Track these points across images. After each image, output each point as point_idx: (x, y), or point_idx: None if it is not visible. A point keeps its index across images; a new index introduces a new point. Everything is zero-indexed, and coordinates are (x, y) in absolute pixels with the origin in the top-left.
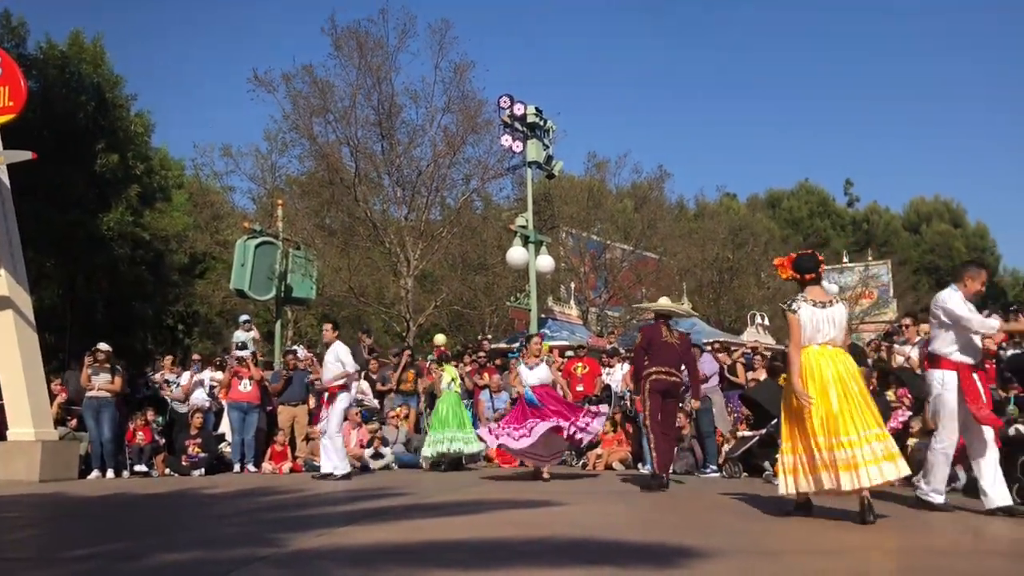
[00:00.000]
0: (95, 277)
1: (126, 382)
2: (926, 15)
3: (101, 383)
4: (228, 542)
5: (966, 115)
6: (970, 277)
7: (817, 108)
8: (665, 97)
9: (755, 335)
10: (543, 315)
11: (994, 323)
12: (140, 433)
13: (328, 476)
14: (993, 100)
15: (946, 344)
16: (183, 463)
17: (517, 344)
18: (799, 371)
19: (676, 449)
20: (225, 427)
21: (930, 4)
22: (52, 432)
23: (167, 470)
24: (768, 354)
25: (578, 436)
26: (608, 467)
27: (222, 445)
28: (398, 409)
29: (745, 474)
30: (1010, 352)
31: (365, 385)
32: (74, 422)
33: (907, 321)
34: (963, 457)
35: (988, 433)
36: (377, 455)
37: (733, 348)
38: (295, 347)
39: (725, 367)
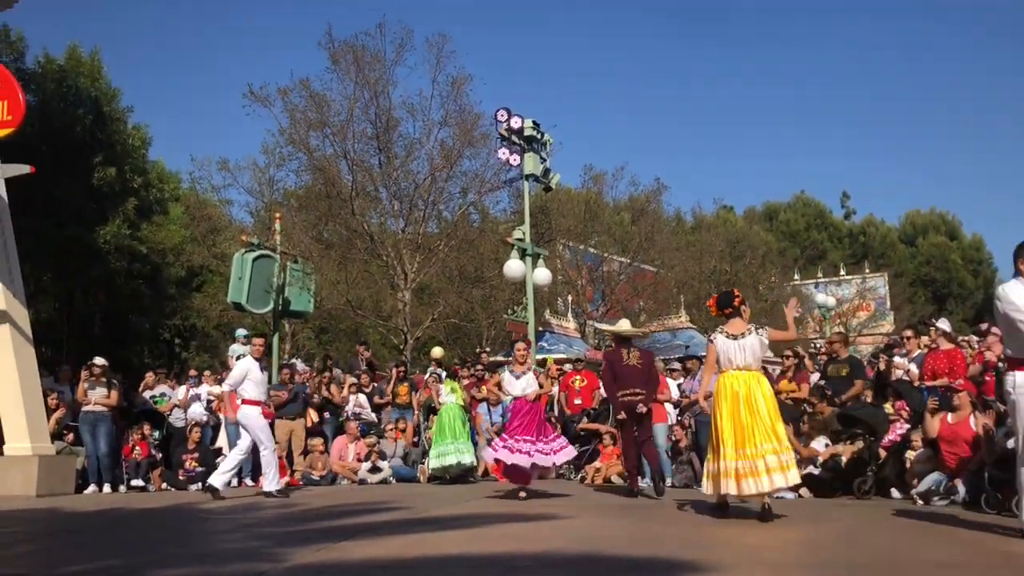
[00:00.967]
0: (92, 290)
1: (123, 396)
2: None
3: (97, 397)
4: (226, 557)
5: (961, 127)
6: None
7: (814, 121)
8: (662, 109)
9: None
10: (540, 328)
11: None
12: (137, 447)
13: (272, 495)
14: (988, 112)
15: (1021, 344)
16: (180, 477)
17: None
18: (705, 390)
19: (672, 463)
20: (222, 441)
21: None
22: (49, 447)
23: (164, 484)
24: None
25: (542, 463)
26: (607, 481)
27: (219, 459)
28: (395, 422)
29: None
30: None
31: (363, 399)
32: (71, 436)
33: (908, 333)
34: (962, 469)
35: None
36: (375, 469)
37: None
38: (293, 360)
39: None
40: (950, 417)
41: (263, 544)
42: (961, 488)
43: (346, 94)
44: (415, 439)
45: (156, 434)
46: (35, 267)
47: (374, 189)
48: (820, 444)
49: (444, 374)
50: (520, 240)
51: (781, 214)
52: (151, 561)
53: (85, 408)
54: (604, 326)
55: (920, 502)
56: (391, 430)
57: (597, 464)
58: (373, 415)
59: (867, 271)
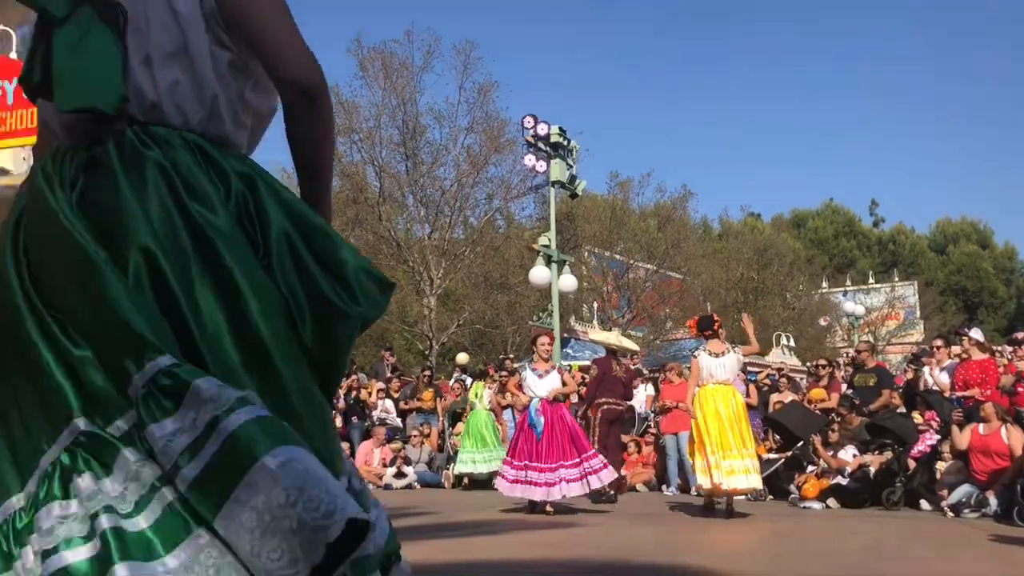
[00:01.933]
0: None
1: None
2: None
3: None
4: None
5: (994, 135)
6: None
7: (842, 128)
8: (689, 116)
9: (781, 356)
10: (566, 335)
11: None
12: None
13: None
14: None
15: None
16: None
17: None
18: (692, 400)
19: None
20: None
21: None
22: None
23: None
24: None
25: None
26: (632, 489)
27: None
28: (420, 427)
29: (771, 496)
30: None
31: (389, 404)
32: None
33: (938, 343)
34: (995, 482)
35: None
36: (400, 474)
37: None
38: None
39: None
40: (981, 428)
41: None
42: (993, 500)
43: (374, 100)
44: (440, 444)
45: None
46: None
47: (401, 195)
48: (848, 454)
49: (469, 380)
50: (546, 246)
51: (809, 222)
52: None
53: None
54: (596, 335)
55: (950, 514)
56: (416, 435)
57: (622, 471)
58: (398, 420)
59: (896, 279)
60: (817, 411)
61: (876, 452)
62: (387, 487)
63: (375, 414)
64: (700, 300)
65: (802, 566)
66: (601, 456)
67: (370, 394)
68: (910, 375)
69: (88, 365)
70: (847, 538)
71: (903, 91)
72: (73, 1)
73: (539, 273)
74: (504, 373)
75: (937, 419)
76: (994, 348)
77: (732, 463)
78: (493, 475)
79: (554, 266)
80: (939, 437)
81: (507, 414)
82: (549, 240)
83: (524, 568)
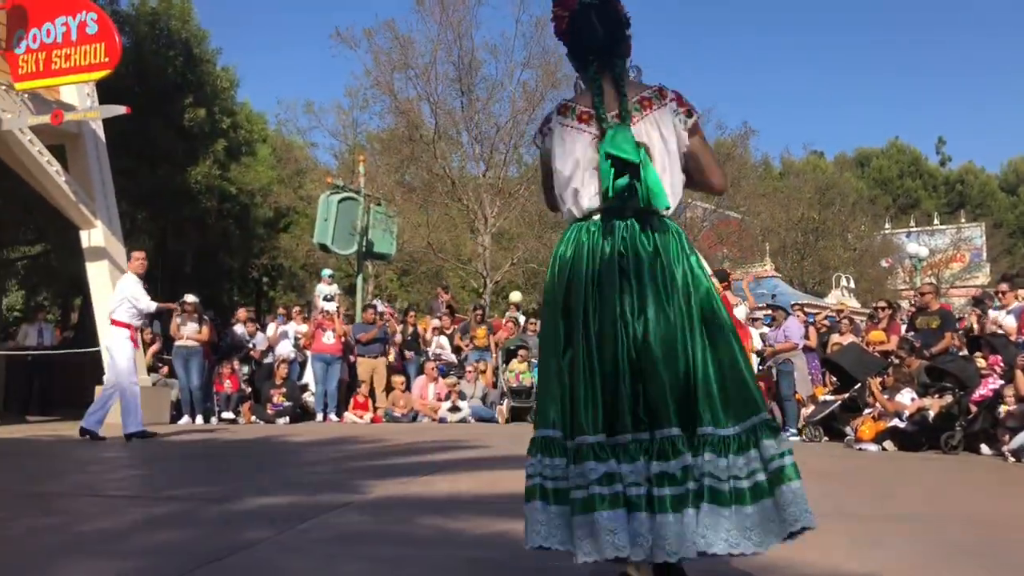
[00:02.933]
0: (184, 230)
1: (213, 332)
2: None
3: (189, 333)
4: (316, 487)
5: None
6: None
7: (909, 63)
8: (750, 51)
9: (840, 298)
10: None
11: None
12: (227, 381)
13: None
14: None
15: None
16: (268, 411)
17: None
18: None
19: None
20: (308, 377)
21: None
22: (145, 379)
23: (253, 417)
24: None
25: None
26: None
27: (305, 395)
28: (475, 364)
29: (826, 438)
30: None
31: (444, 341)
32: (165, 370)
33: (1003, 287)
34: None
35: None
36: (454, 408)
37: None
38: (375, 301)
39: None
40: None
41: (349, 476)
42: None
43: (430, 36)
44: (494, 381)
45: (245, 369)
46: (130, 206)
47: (456, 132)
48: (906, 397)
49: (523, 317)
50: None
51: (874, 161)
52: (246, 489)
53: (178, 343)
54: None
55: (1012, 459)
56: (471, 371)
57: None
58: (453, 356)
59: (963, 221)
60: (876, 353)
61: (936, 395)
62: (442, 420)
63: (430, 350)
64: (759, 240)
65: (859, 507)
66: None
67: (425, 330)
68: (973, 319)
69: None
70: (900, 479)
71: (973, 23)
72: (637, 151)
73: None
74: None
75: (1001, 363)
76: None
77: None
78: None
79: None
80: (1002, 382)
81: None
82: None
83: None
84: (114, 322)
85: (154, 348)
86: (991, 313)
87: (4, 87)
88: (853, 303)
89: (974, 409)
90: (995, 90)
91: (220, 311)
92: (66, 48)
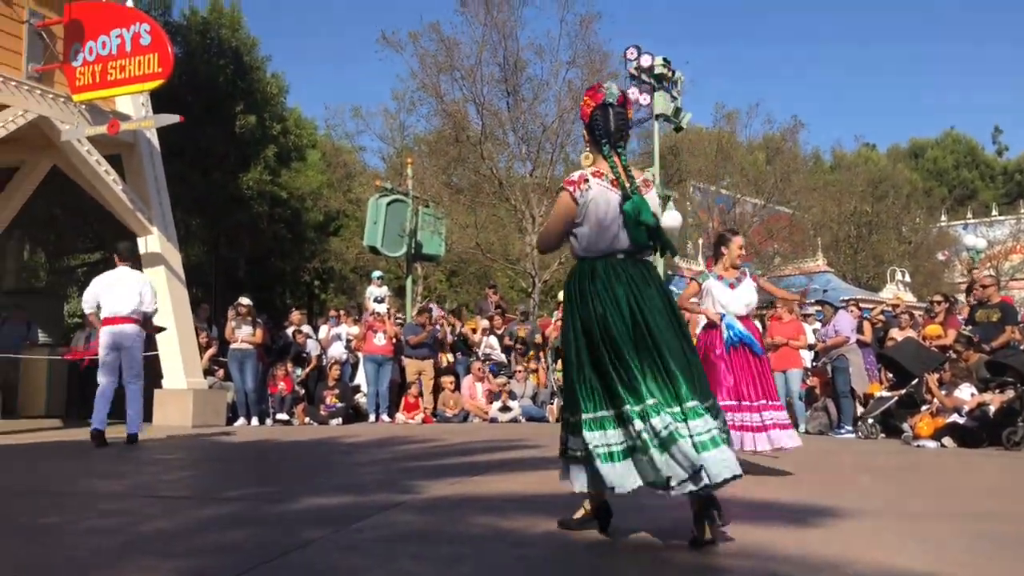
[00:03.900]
0: (237, 235)
1: (267, 334)
2: None
3: (244, 336)
4: (369, 488)
5: None
6: None
7: (963, 52)
8: (799, 44)
9: (896, 291)
10: (669, 272)
11: None
12: (282, 383)
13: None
14: None
15: None
16: (322, 412)
17: None
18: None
19: (807, 409)
20: (360, 379)
21: None
22: (202, 382)
23: (307, 419)
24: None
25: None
26: None
27: (357, 396)
28: (526, 363)
29: (883, 435)
30: None
31: (493, 340)
32: (221, 372)
33: None
34: None
35: None
36: (505, 408)
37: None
38: (431, 305)
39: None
40: None
41: (401, 476)
42: None
43: (475, 37)
44: (544, 380)
45: (299, 371)
46: (185, 213)
47: (502, 133)
48: (965, 393)
49: None
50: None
51: (928, 151)
52: (301, 490)
53: (233, 346)
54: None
55: None
56: (521, 371)
57: None
58: (503, 356)
59: (1023, 211)
60: (933, 348)
61: (996, 391)
62: (493, 420)
63: (480, 351)
64: (810, 235)
65: (918, 504)
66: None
67: (474, 331)
68: None
69: None
70: (961, 476)
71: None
72: (655, 217)
73: None
74: None
75: None
76: None
77: None
78: None
79: (658, 202)
80: None
81: None
82: (653, 175)
83: (627, 499)
84: (132, 320)
85: (210, 352)
86: None
87: (63, 99)
88: (909, 297)
89: None
90: None
91: (273, 314)
92: (121, 59)
